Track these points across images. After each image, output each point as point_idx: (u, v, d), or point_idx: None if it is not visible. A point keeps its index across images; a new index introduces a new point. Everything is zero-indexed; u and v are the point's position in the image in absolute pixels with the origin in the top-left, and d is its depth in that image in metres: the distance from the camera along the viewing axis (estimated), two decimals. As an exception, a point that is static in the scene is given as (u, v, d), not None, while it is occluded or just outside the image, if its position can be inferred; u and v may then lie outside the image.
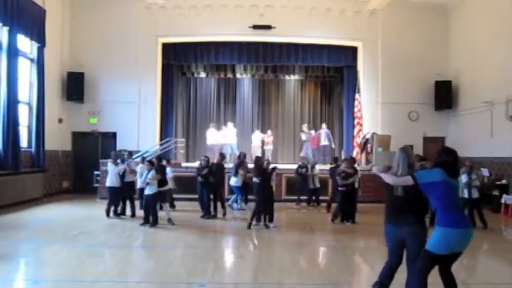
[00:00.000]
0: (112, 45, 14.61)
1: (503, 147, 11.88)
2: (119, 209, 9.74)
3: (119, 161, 9.80)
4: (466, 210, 8.87)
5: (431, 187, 3.62)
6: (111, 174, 9.58)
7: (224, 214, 10.11)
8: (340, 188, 9.49)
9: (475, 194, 9.01)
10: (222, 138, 15.75)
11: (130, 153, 10.21)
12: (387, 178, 3.95)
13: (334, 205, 10.42)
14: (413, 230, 3.91)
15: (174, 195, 11.24)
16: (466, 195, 8.92)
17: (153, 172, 8.65)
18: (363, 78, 15.27)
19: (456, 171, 3.73)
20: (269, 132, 16.89)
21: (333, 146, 16.26)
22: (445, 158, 3.69)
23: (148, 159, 9.72)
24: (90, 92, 14.58)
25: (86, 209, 11.07)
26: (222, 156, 10.96)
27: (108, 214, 9.52)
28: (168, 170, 10.32)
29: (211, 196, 10.06)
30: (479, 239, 8.27)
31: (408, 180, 3.73)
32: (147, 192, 8.69)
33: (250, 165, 10.69)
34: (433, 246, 3.62)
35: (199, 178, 9.89)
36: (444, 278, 3.80)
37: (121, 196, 9.70)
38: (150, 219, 8.65)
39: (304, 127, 16.54)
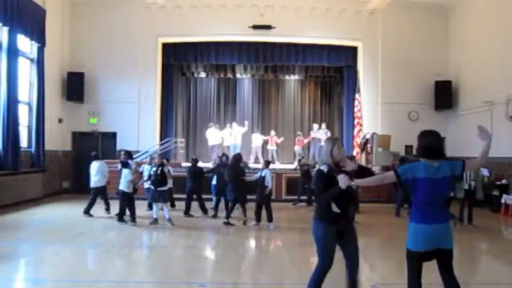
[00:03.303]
0: (112, 45, 14.60)
1: (503, 147, 11.86)
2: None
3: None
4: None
5: (411, 183, 3.47)
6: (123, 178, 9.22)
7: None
8: None
9: (461, 194, 9.03)
10: (228, 138, 15.84)
11: (128, 153, 10.15)
12: (368, 182, 3.76)
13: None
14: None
15: (174, 195, 11.23)
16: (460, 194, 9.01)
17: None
18: (363, 78, 15.27)
19: (441, 153, 3.50)
20: (272, 132, 16.87)
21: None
22: (425, 142, 3.50)
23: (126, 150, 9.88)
24: (90, 92, 14.58)
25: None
26: (227, 157, 10.92)
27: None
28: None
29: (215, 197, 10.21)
30: (479, 239, 8.29)
31: (391, 176, 3.54)
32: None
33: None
34: (408, 243, 3.53)
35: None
36: (444, 281, 3.59)
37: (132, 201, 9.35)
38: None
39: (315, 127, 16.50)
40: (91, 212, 9.71)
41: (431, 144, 3.50)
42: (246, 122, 16.56)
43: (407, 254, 3.55)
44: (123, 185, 8.98)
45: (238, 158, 9.45)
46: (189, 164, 11.15)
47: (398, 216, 10.31)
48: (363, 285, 5.47)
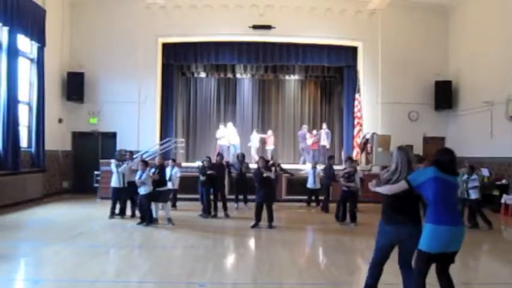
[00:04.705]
0: (112, 45, 14.61)
1: (503, 147, 11.87)
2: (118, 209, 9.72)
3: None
4: (462, 209, 8.97)
5: (425, 186, 3.60)
6: (114, 175, 9.59)
7: (226, 216, 10.05)
8: (344, 188, 9.50)
9: (473, 195, 8.98)
10: (228, 138, 15.82)
11: (131, 153, 10.23)
12: (383, 189, 3.92)
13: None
14: (414, 231, 3.82)
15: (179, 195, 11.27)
16: (464, 196, 8.94)
17: (146, 173, 8.67)
18: (363, 78, 15.27)
19: (452, 169, 3.67)
20: (269, 132, 16.85)
21: (328, 146, 16.23)
22: (440, 157, 3.68)
23: (143, 159, 9.76)
24: (90, 92, 14.58)
25: (86, 209, 11.07)
26: (222, 156, 10.99)
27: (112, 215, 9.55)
28: (176, 169, 10.65)
29: (212, 196, 10.16)
30: (479, 239, 8.29)
31: (403, 185, 3.72)
32: (140, 192, 8.72)
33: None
34: (422, 244, 3.58)
35: (201, 177, 9.97)
36: (440, 280, 3.69)
37: (122, 196, 9.65)
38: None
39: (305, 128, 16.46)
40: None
41: (443, 160, 3.71)
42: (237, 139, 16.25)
43: (419, 254, 3.62)
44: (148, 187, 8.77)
45: (267, 161, 9.26)
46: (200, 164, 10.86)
47: None
48: (362, 285, 5.47)
